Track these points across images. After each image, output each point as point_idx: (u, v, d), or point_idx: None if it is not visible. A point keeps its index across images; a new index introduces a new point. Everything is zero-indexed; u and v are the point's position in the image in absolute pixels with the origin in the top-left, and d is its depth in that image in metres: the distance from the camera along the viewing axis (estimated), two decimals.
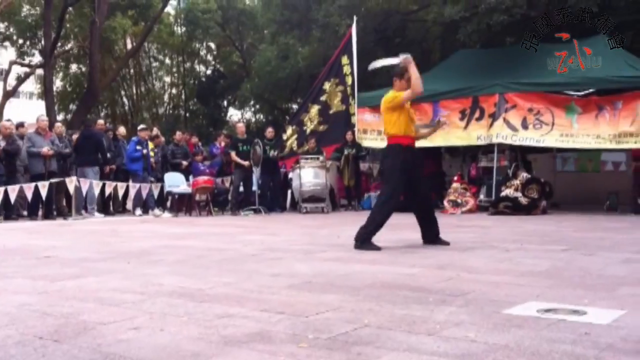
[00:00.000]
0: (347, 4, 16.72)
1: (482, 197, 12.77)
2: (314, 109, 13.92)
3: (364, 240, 5.87)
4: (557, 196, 12.96)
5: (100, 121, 14.02)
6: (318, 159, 13.09)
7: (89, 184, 12.00)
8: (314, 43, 19.66)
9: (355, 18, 13.63)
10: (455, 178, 12.82)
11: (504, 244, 6.19)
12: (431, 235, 6.22)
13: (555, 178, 14.48)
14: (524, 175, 11.81)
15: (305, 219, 10.93)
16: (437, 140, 13.28)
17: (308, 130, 14.11)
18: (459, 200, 12.15)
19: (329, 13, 17.27)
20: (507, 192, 11.57)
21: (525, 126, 12.21)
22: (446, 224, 9.30)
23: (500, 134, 12.26)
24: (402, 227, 8.66)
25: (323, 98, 14.20)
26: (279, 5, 20.58)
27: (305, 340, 2.51)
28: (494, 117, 12.43)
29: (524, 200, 11.32)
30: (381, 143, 13.88)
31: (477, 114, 12.71)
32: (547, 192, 11.75)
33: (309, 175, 12.75)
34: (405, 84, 6.19)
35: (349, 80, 13.70)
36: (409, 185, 6.15)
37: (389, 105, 6.19)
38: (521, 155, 13.12)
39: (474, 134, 12.67)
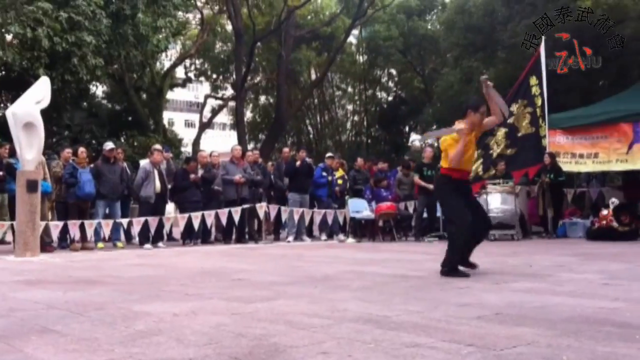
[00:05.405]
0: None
1: None
2: (501, 132, 13.43)
3: (450, 268, 5.81)
4: None
5: (285, 149, 14.64)
6: (507, 183, 12.61)
7: (289, 210, 12.58)
8: (499, 65, 19.14)
9: (543, 37, 13.04)
10: None
11: None
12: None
13: None
14: None
15: (494, 247, 10.51)
16: None
17: (494, 154, 13.62)
18: None
19: (514, 34, 16.75)
20: None
21: None
22: None
23: None
24: (603, 256, 8.07)
25: (510, 120, 13.66)
26: (462, 29, 20.35)
27: None
28: None
29: None
30: (575, 167, 13.14)
31: None
32: None
33: (496, 201, 12.30)
34: (479, 117, 5.97)
35: (538, 101, 13.10)
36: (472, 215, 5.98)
37: (442, 145, 6.08)
38: None
39: None
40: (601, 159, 12.73)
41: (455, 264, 5.87)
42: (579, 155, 12.99)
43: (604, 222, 11.81)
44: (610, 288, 4.92)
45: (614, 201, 12.36)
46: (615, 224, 11.64)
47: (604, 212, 12.02)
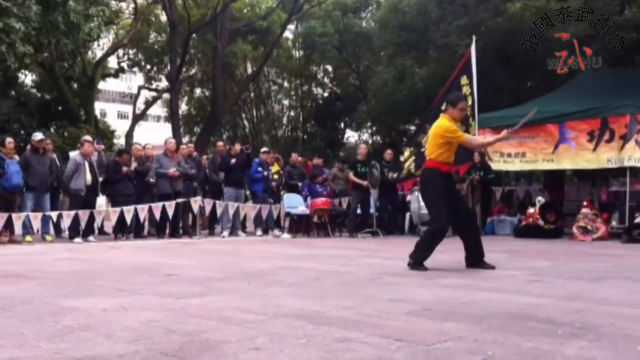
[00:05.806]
0: (465, 24, 16.45)
1: (614, 223, 12.06)
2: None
3: (417, 262, 6.12)
4: None
5: (220, 143, 14.56)
6: None
7: (224, 205, 12.47)
8: (432, 64, 19.49)
9: (474, 38, 13.35)
10: (585, 203, 12.15)
11: (639, 274, 5.78)
12: (473, 259, 6.33)
13: None
14: None
15: None
16: (564, 162, 12.72)
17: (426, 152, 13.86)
18: (589, 227, 11.50)
19: (446, 33, 17.07)
20: None
21: None
22: (576, 251, 8.88)
23: (633, 156, 11.51)
24: (529, 254, 8.35)
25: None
26: (396, 27, 20.56)
27: None
28: (625, 138, 11.69)
29: None
30: (504, 165, 13.49)
31: (606, 136, 12.00)
32: None
33: None
34: (457, 113, 6.42)
35: (468, 100, 13.35)
36: (451, 209, 6.29)
37: (445, 135, 6.29)
38: None
39: (604, 157, 11.98)
40: (528, 158, 13.07)
41: (422, 260, 6.13)
42: (507, 154, 13.31)
43: (531, 220, 12.21)
44: (535, 285, 5.11)
45: (540, 200, 12.80)
46: (541, 222, 12.06)
47: (531, 210, 12.43)
